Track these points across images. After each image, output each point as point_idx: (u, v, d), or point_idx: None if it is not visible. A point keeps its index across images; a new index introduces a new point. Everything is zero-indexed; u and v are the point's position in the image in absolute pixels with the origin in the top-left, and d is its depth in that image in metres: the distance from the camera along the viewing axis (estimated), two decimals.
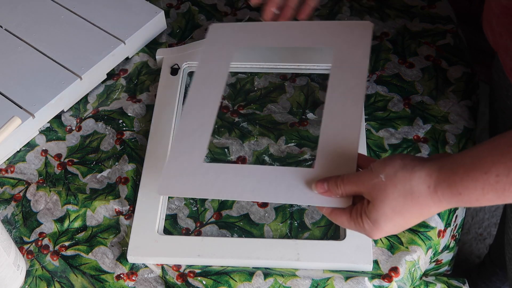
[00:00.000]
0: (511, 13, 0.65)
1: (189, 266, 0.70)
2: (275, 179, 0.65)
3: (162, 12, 0.91)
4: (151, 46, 0.92)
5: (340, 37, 0.76)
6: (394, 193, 0.56)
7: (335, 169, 0.63)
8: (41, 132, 0.83)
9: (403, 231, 0.71)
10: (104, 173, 0.79)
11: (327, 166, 0.64)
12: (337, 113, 0.68)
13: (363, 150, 0.76)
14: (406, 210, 0.56)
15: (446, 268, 0.83)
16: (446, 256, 0.80)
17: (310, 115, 0.82)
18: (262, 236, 0.72)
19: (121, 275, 0.70)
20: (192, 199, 0.75)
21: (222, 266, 0.70)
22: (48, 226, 0.75)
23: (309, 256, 0.69)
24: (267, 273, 0.68)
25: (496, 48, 0.75)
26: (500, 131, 0.91)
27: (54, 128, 0.84)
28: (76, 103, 0.86)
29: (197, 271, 0.70)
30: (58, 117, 0.85)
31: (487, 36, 0.76)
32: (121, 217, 0.74)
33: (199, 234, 0.73)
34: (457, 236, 0.81)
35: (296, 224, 0.73)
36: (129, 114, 0.84)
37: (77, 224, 0.74)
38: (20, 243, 0.74)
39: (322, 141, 0.66)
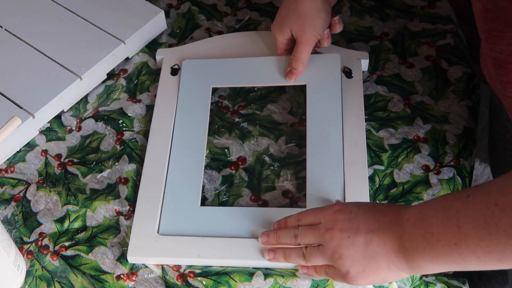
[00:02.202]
0: (501, 64, 0.64)
1: (189, 266, 0.70)
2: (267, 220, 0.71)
3: (162, 12, 0.91)
4: (151, 46, 0.92)
5: (312, 71, 0.82)
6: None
7: None
8: (41, 132, 0.83)
9: None
10: (104, 173, 0.79)
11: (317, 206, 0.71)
12: (320, 158, 0.75)
13: (363, 150, 0.76)
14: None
15: None
16: None
17: None
18: None
19: (121, 275, 0.70)
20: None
21: (222, 267, 0.70)
22: (48, 226, 0.75)
23: None
24: (267, 273, 0.68)
25: (493, 88, 0.74)
26: (499, 152, 0.91)
27: (54, 128, 0.84)
28: (76, 103, 0.86)
29: (197, 271, 0.70)
30: (58, 117, 0.85)
31: (485, 75, 0.75)
32: (121, 218, 0.74)
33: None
34: None
35: None
36: (129, 114, 0.84)
37: (77, 224, 0.74)
38: (20, 243, 0.74)
39: (309, 184, 0.73)
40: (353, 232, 0.60)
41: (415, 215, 0.56)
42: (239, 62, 0.85)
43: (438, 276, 0.75)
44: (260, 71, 0.84)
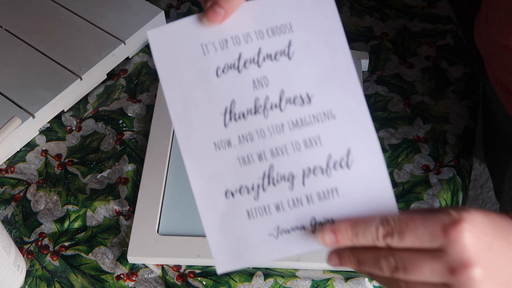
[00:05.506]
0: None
1: (189, 267, 0.70)
2: None
3: (162, 12, 0.91)
4: None
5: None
6: None
7: None
8: (41, 132, 0.83)
9: None
10: (104, 174, 0.79)
11: None
12: None
13: None
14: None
15: None
16: None
17: None
18: None
19: (121, 275, 0.70)
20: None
21: None
22: (48, 226, 0.75)
23: (309, 256, 0.69)
24: (267, 273, 0.68)
25: (483, 55, 0.73)
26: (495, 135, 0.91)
27: (54, 128, 0.84)
28: (76, 103, 0.86)
29: (197, 271, 0.70)
30: (58, 117, 0.85)
31: (477, 45, 0.75)
32: (121, 218, 0.74)
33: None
34: None
35: None
36: (129, 114, 0.84)
37: (77, 224, 0.75)
38: (20, 243, 0.74)
39: None
40: (495, 273, 0.42)
41: None
42: None
43: None
44: None
